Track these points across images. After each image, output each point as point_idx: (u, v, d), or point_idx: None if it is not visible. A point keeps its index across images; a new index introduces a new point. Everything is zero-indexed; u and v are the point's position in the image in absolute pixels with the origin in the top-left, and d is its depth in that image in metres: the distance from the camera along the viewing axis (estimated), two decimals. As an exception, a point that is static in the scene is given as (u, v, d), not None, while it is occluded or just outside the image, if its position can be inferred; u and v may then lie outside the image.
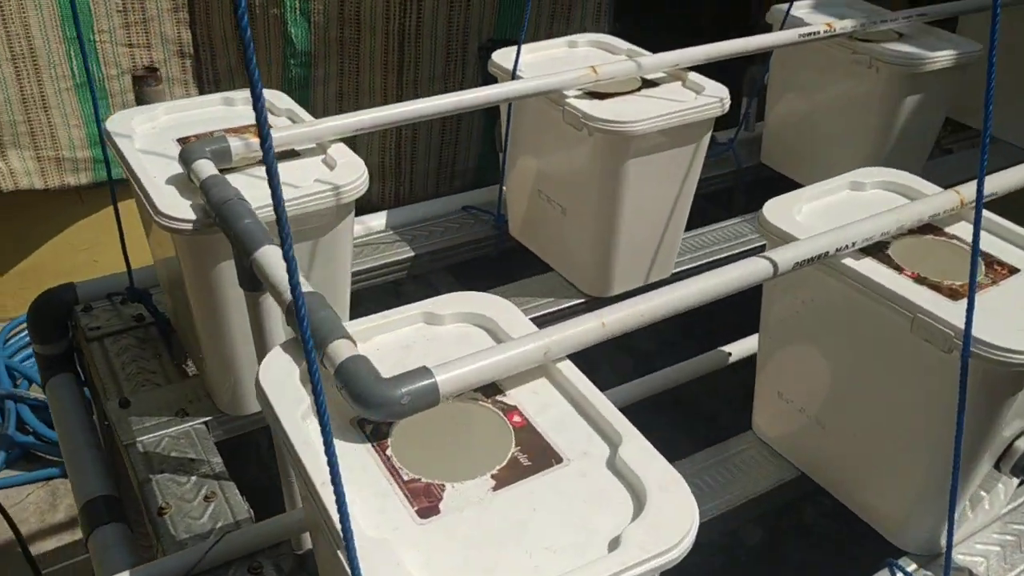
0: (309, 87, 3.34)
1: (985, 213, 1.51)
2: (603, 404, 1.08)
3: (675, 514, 0.94)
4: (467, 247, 2.19)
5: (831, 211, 1.52)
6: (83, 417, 1.78)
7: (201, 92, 3.40)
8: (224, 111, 1.75)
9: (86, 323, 1.82)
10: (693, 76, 1.94)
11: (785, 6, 2.36)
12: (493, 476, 1.00)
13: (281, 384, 1.09)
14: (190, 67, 3.33)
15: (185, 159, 1.45)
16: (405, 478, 1.00)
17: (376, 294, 2.11)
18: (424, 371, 1.04)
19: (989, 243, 1.47)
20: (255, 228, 1.27)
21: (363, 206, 1.70)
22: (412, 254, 2.11)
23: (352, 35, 3.28)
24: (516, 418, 1.08)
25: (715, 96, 1.86)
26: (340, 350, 1.06)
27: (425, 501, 0.97)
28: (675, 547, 0.91)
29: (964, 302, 1.30)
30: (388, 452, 1.03)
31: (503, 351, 1.09)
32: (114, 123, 1.63)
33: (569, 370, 1.13)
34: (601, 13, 3.48)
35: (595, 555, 0.91)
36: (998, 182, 1.52)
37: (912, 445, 1.38)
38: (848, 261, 1.37)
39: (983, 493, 1.47)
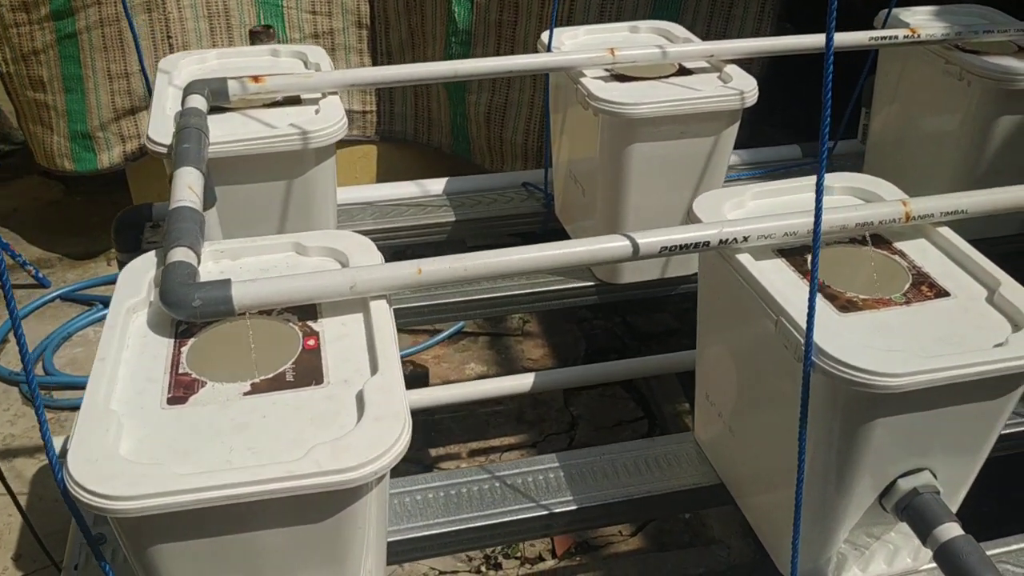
0: (467, 64, 3.50)
1: (946, 233, 1.37)
2: (386, 342, 1.13)
3: (368, 444, 0.98)
4: (512, 220, 2.25)
5: (777, 210, 1.43)
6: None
7: (374, 62, 3.67)
8: (269, 61, 1.94)
9: (147, 236, 2.10)
10: (729, 68, 1.87)
11: (894, 9, 2.18)
12: (253, 384, 1.09)
13: (135, 278, 1.24)
14: (366, 37, 3.61)
15: (185, 93, 1.65)
16: (179, 371, 1.11)
17: (415, 252, 2.24)
18: (225, 283, 1.15)
19: (935, 263, 1.33)
20: (187, 152, 1.43)
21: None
22: (454, 219, 2.21)
23: (509, 18, 3.40)
24: (311, 341, 1.16)
25: (736, 89, 1.78)
26: (174, 254, 1.19)
27: (180, 392, 1.08)
28: (346, 471, 0.95)
29: (852, 315, 1.21)
30: (183, 348, 1.15)
31: (309, 279, 1.17)
32: (167, 63, 1.87)
33: (379, 309, 1.19)
34: (765, 12, 3.36)
35: (288, 459, 0.97)
36: (966, 201, 1.36)
37: (789, 463, 1.29)
38: (745, 257, 1.30)
39: (891, 543, 1.34)
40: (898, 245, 1.36)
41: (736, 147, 2.87)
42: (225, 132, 1.60)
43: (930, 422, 1.18)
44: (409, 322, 2.07)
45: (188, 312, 1.13)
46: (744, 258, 1.29)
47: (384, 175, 3.63)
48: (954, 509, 1.30)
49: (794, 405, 1.19)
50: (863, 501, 1.25)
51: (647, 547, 2.60)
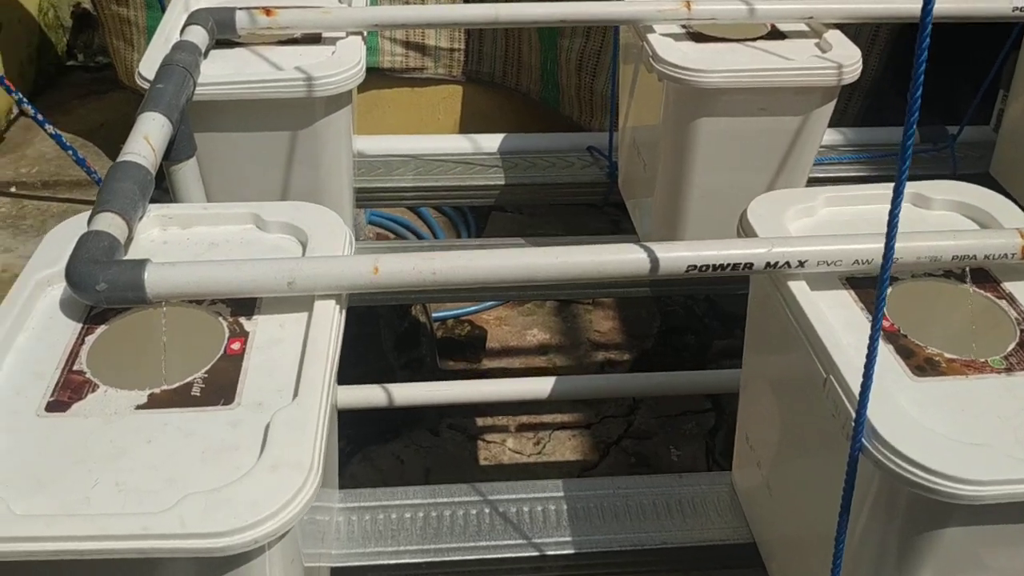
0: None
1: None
2: (318, 358, 0.91)
3: (252, 501, 0.77)
4: (569, 189, 1.98)
5: (857, 225, 1.14)
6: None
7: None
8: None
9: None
10: (830, 34, 1.54)
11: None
12: (151, 395, 0.90)
13: (57, 244, 1.05)
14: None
15: (186, 23, 1.45)
16: (74, 367, 0.92)
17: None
18: (139, 265, 0.94)
19: (1059, 317, 1.01)
20: (158, 94, 1.23)
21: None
22: (503, 182, 1.96)
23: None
24: (236, 344, 0.95)
25: (833, 61, 1.46)
26: (97, 221, 1.00)
27: (66, 396, 0.89)
28: (214, 536, 0.75)
29: (930, 382, 0.92)
30: (87, 338, 0.96)
31: (240, 268, 0.96)
32: (185, -12, 1.67)
33: (324, 312, 0.97)
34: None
35: (154, 507, 0.78)
36: (1110, 236, 1.03)
37: (828, 551, 1.02)
38: (799, 286, 1.01)
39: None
40: (1008, 286, 1.05)
41: (845, 123, 2.51)
42: (222, 71, 1.39)
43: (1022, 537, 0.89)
44: (429, 297, 1.85)
45: (92, 297, 0.94)
46: (798, 287, 1.01)
47: (468, 118, 3.37)
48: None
49: (835, 484, 0.93)
50: (919, 616, 0.97)
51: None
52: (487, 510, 1.30)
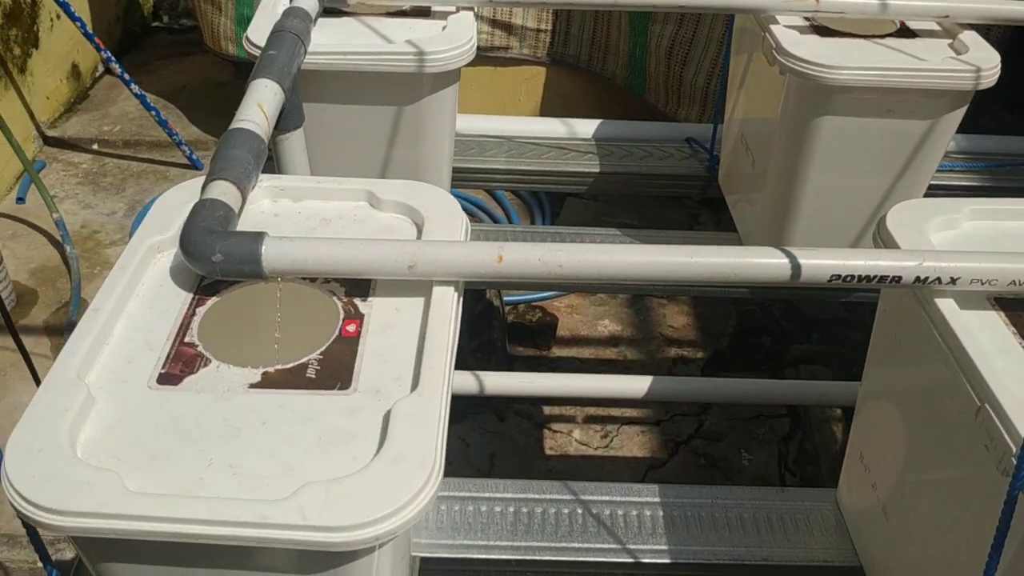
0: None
1: None
2: (439, 347, 0.87)
3: (375, 495, 0.73)
4: (666, 181, 1.92)
5: (1002, 241, 1.06)
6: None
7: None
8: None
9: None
10: (966, 35, 1.46)
11: None
12: (265, 374, 0.86)
13: (169, 209, 1.03)
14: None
15: (297, -12, 1.41)
16: (185, 339, 0.89)
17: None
18: (255, 237, 0.91)
19: None
20: (270, 60, 1.20)
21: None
22: (598, 170, 1.90)
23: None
24: (352, 327, 0.91)
25: (971, 65, 1.38)
26: (211, 189, 0.96)
27: (177, 368, 0.86)
28: (335, 530, 0.71)
29: (1093, 417, 0.85)
30: (199, 310, 0.93)
31: (361, 248, 0.92)
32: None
33: (443, 299, 0.92)
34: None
35: (271, 494, 0.74)
36: None
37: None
38: (947, 304, 0.95)
39: None
40: None
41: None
42: (331, 40, 1.36)
43: None
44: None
45: (206, 267, 0.91)
46: (946, 305, 0.94)
47: (550, 101, 3.30)
48: None
49: (984, 525, 0.86)
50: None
51: None
52: (579, 510, 1.26)
